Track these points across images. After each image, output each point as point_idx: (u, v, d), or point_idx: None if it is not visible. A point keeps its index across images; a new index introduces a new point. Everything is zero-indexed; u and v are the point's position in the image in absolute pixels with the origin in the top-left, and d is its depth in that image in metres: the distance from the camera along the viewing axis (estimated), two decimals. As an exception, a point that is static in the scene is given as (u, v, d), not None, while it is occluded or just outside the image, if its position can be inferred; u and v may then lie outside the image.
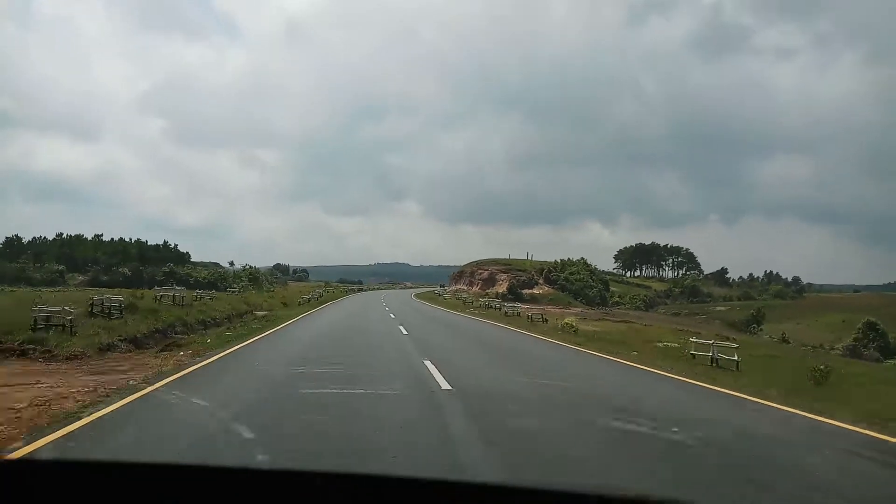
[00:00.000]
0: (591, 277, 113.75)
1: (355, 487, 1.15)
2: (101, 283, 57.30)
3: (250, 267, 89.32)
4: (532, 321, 30.34)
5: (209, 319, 21.58)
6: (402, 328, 22.59)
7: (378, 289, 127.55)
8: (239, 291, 54.99)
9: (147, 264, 78.47)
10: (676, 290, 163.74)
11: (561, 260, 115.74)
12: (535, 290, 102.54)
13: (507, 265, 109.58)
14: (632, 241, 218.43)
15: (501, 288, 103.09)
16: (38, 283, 57.87)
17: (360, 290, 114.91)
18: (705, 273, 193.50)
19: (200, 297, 27.69)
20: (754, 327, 67.30)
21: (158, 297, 23.14)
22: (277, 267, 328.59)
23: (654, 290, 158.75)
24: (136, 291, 27.47)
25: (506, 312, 39.20)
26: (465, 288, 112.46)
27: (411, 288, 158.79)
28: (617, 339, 20.41)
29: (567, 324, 22.11)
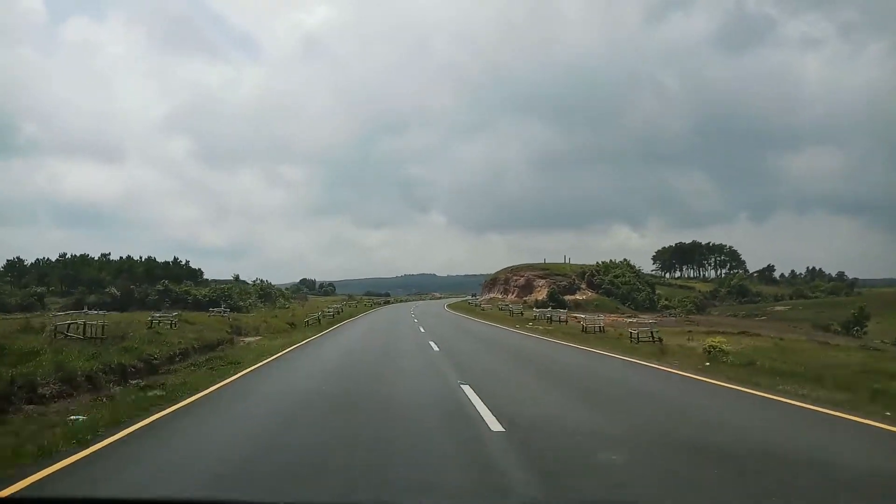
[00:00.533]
0: (637, 280, 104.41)
1: None
2: (87, 304, 50.19)
3: (262, 281, 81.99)
4: (636, 343, 20.93)
5: (151, 359, 13.59)
6: (456, 378, 11.24)
7: (406, 300, 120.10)
8: (246, 309, 47.22)
9: (154, 283, 71.58)
10: (723, 290, 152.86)
11: (602, 262, 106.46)
12: (578, 296, 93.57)
13: (545, 270, 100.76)
14: (663, 243, 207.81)
15: (540, 294, 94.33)
16: (12, 309, 51.09)
17: (387, 302, 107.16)
18: (749, 272, 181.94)
19: (158, 321, 19.63)
20: (857, 329, 57.50)
21: (63, 329, 14.85)
22: (303, 282, 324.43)
23: (699, 292, 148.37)
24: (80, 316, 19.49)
25: (584, 327, 29.31)
26: (500, 296, 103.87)
27: (440, 298, 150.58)
28: (818, 370, 11.81)
29: (714, 347, 13.52)
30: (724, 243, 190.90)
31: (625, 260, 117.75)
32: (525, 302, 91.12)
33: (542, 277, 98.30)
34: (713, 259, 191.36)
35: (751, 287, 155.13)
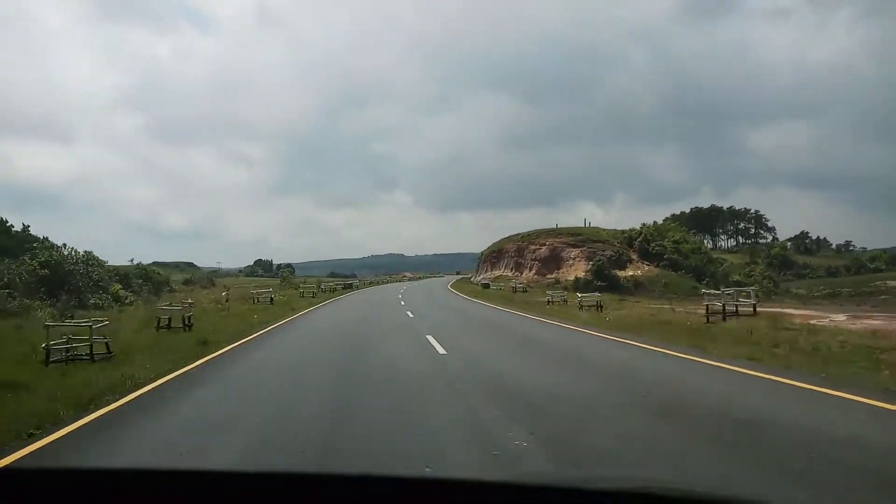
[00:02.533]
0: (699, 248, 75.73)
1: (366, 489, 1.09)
2: None
3: (139, 265, 49.32)
4: None
5: None
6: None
7: (376, 283, 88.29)
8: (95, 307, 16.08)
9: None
10: (759, 261, 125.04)
11: (654, 223, 77.32)
12: (631, 271, 64.14)
13: (576, 235, 70.88)
14: (627, 219, 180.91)
15: (578, 270, 64.52)
16: None
17: (348, 286, 75.00)
18: (780, 240, 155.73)
19: None
20: None
21: None
22: (258, 263, 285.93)
23: (731, 263, 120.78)
24: None
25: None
26: (511, 274, 73.80)
27: (415, 279, 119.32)
28: None
29: None
30: (747, 207, 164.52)
31: (676, 223, 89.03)
32: (557, 281, 61.32)
33: (573, 246, 68.42)
34: (731, 227, 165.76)
35: (794, 258, 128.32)
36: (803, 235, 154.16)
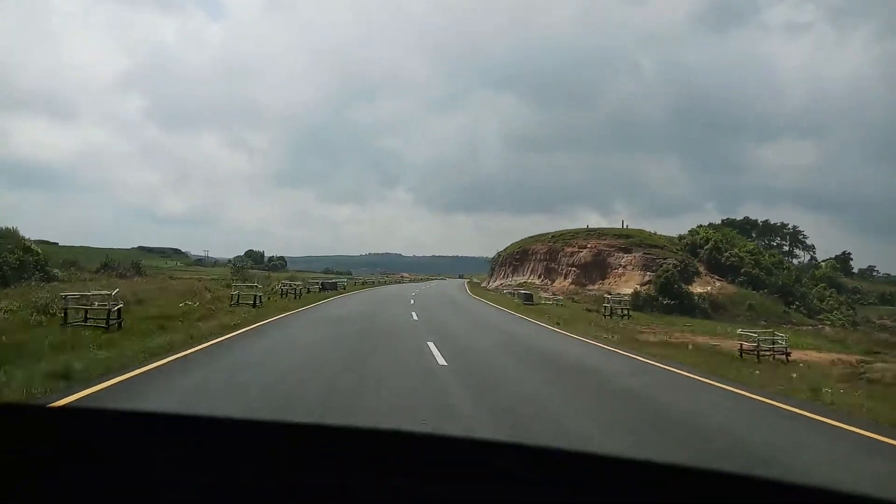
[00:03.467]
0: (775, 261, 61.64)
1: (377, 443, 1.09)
2: None
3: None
4: None
5: None
6: None
7: (371, 284, 72.53)
8: None
9: None
10: (802, 281, 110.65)
11: (710, 224, 63.20)
12: (700, 287, 49.84)
13: (625, 238, 56.68)
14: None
15: (631, 281, 50.38)
16: None
17: (329, 286, 59.68)
18: (817, 259, 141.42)
19: None
20: None
21: None
22: (249, 254, 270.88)
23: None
24: None
25: None
26: (539, 281, 59.68)
27: (416, 282, 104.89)
28: None
29: None
30: (784, 222, 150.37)
31: (733, 229, 75.43)
32: (608, 295, 47.12)
33: (623, 250, 54.22)
34: (764, 242, 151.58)
35: (843, 280, 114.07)
36: (846, 256, 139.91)
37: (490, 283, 76.27)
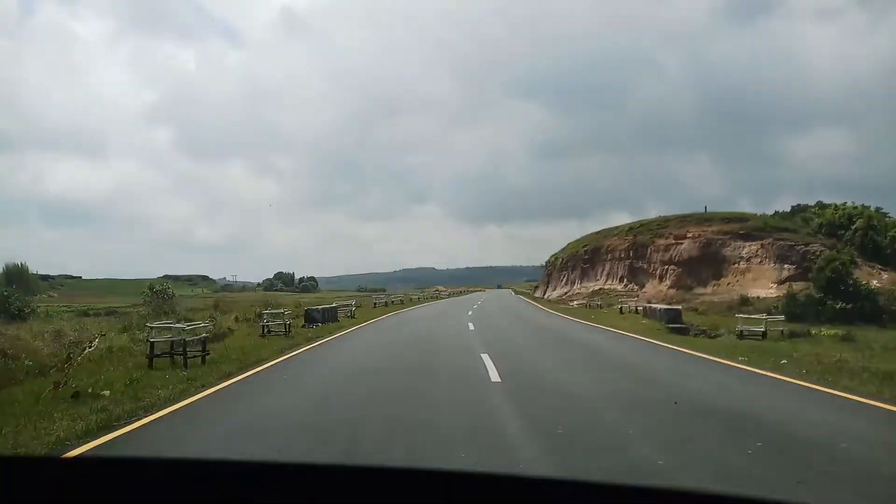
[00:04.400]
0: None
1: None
2: None
3: None
4: None
5: None
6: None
7: (401, 303, 58.10)
8: None
9: None
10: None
11: (843, 205, 48.34)
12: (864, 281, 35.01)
13: (741, 221, 42.11)
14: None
15: (764, 277, 35.89)
16: None
17: (349, 312, 45.18)
18: None
19: None
20: None
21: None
22: (278, 276, 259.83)
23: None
24: None
25: None
26: (623, 287, 45.49)
27: (455, 296, 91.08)
28: None
29: None
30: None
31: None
32: (747, 302, 32.70)
33: (744, 237, 39.73)
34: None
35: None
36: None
37: (548, 293, 62.19)
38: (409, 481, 1.06)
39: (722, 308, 33.58)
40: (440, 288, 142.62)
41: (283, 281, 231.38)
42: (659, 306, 26.84)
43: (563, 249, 67.20)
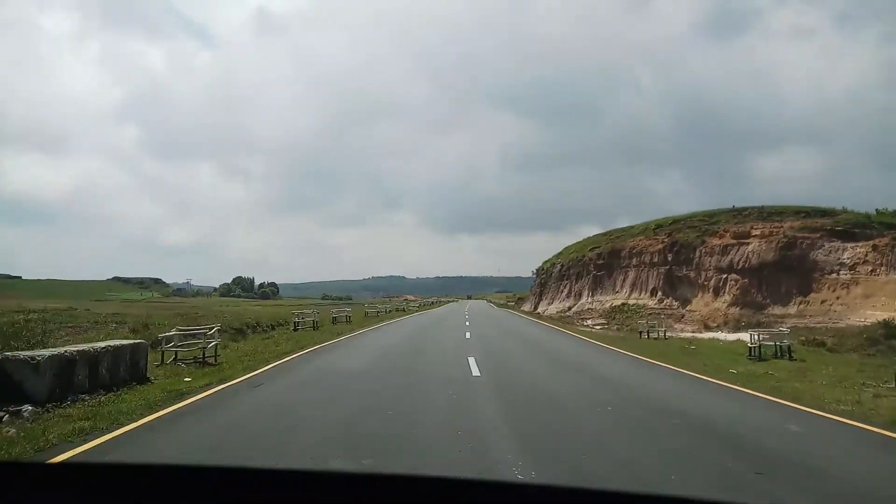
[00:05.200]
0: None
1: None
2: None
3: None
4: None
5: None
6: None
7: (367, 321, 44.90)
8: None
9: None
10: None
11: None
12: None
13: (828, 215, 30.14)
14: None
15: (883, 293, 23.92)
16: None
17: (334, 314, 31.94)
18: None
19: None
20: None
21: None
22: (237, 282, 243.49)
23: None
24: None
25: None
26: (656, 302, 33.24)
27: (425, 307, 78.17)
28: None
29: None
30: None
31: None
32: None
33: (842, 236, 27.71)
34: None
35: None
36: None
37: (542, 307, 49.93)
38: (405, 489, 1.04)
39: (833, 335, 21.67)
40: (409, 297, 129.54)
41: (243, 286, 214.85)
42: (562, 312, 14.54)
43: (559, 255, 55.13)
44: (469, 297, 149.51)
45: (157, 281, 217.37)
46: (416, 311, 63.63)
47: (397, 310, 55.13)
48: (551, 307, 46.81)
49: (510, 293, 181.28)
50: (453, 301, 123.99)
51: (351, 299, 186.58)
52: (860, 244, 26.87)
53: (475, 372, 11.95)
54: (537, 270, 59.00)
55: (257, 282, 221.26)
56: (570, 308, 42.19)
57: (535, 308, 51.74)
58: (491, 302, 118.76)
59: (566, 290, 46.33)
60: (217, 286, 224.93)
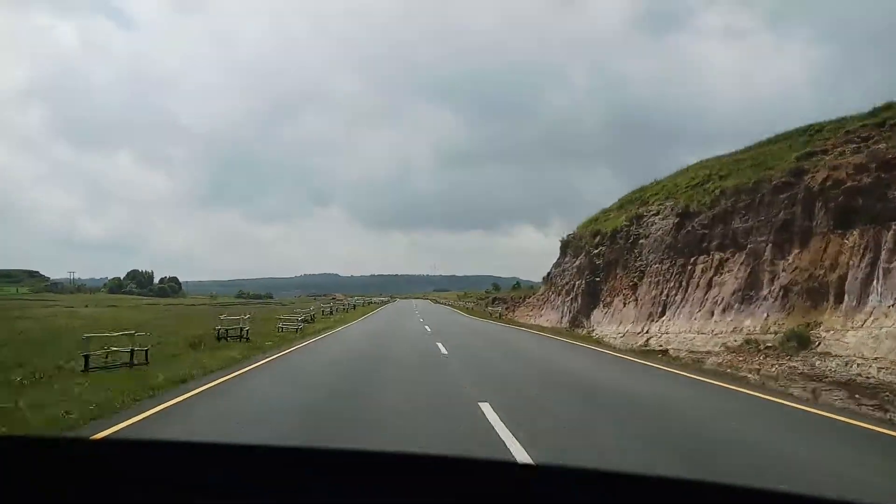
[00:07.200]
0: None
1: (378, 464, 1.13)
2: None
3: None
4: None
5: None
6: None
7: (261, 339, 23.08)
8: None
9: None
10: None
11: None
12: None
13: None
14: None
15: None
16: None
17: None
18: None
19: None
20: None
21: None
22: (132, 275, 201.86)
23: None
24: None
25: None
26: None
27: (346, 317, 52.74)
28: None
29: None
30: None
31: None
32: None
33: None
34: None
35: None
36: None
37: (597, 323, 27.20)
38: (399, 468, 1.07)
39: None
40: (338, 296, 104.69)
41: (139, 281, 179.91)
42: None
43: (605, 215, 32.07)
44: (390, 297, 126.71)
45: (32, 274, 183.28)
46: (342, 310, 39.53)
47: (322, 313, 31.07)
48: (618, 327, 23.69)
49: (450, 291, 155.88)
50: (389, 301, 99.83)
51: (272, 297, 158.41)
52: None
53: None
54: (563, 243, 35.11)
55: (156, 276, 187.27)
56: (702, 334, 19.08)
57: (573, 324, 28.63)
58: (441, 303, 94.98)
59: (646, 295, 23.26)
60: (107, 279, 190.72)
